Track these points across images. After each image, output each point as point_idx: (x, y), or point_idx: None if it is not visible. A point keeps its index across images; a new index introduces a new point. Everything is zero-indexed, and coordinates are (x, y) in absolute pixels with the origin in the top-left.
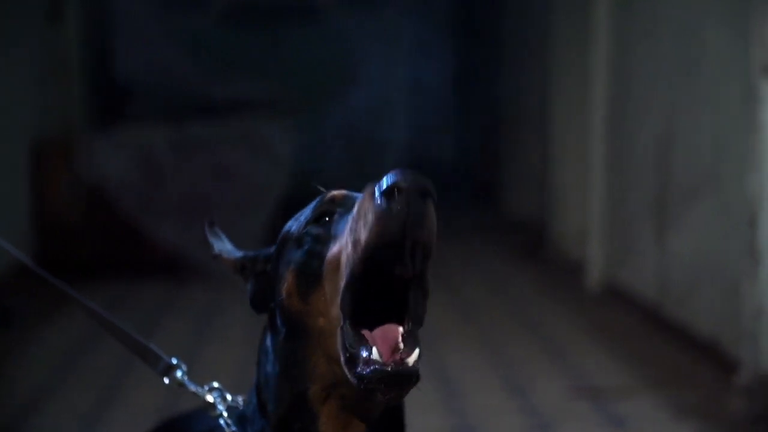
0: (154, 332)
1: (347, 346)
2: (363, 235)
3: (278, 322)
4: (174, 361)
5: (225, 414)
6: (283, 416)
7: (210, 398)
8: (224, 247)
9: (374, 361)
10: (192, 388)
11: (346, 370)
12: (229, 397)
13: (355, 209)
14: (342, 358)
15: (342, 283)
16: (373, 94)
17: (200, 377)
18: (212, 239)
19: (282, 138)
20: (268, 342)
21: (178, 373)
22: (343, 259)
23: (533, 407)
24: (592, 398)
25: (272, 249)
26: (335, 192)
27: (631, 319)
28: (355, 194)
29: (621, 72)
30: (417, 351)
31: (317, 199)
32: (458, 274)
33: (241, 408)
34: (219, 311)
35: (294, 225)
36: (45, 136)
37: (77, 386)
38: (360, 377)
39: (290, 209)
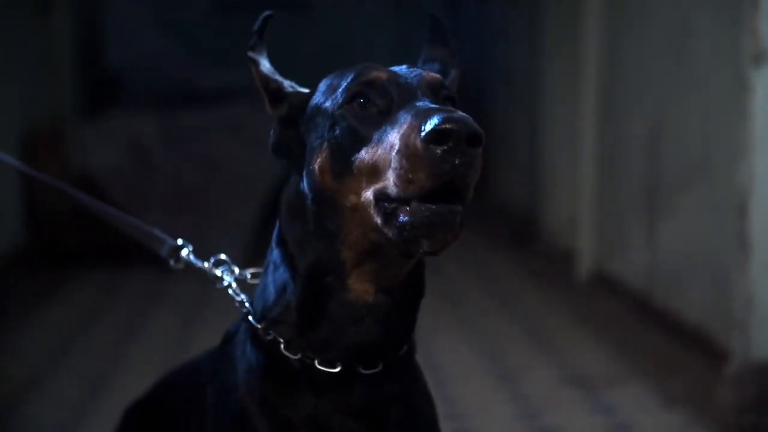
0: (142, 320)
1: (384, 208)
2: (408, 179)
3: (306, 186)
4: (179, 241)
5: (234, 285)
6: (314, 268)
7: (217, 271)
8: (264, 61)
9: (415, 206)
10: (198, 264)
11: (384, 230)
12: (236, 269)
13: (399, 139)
14: (379, 221)
15: (377, 186)
16: None
17: None
18: (254, 39)
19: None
20: (294, 195)
21: (184, 252)
22: (381, 167)
23: (522, 395)
24: (581, 387)
25: (305, 94)
26: (374, 73)
27: (620, 309)
28: (398, 77)
29: (611, 61)
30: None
31: (353, 72)
32: (447, 263)
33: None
34: (208, 300)
35: (328, 99)
36: (34, 126)
37: (67, 375)
38: (401, 226)
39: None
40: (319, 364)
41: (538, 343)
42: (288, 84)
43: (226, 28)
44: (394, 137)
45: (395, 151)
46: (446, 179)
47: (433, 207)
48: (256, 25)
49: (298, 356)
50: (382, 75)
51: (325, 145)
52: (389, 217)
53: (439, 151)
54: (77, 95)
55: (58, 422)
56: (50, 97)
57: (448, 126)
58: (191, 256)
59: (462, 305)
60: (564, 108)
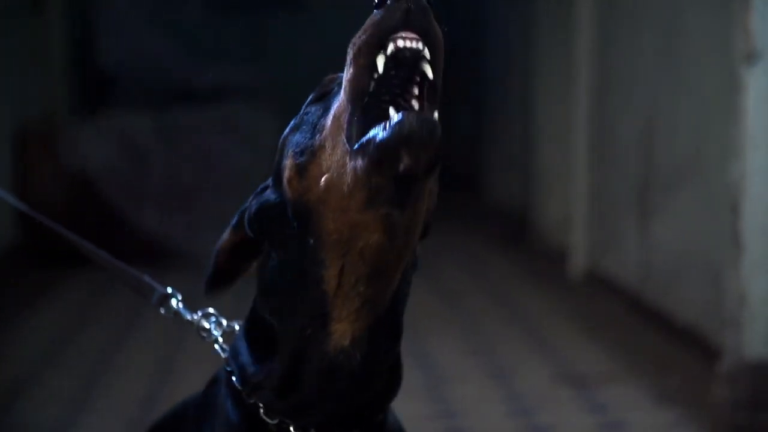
0: (137, 320)
1: (356, 128)
2: (361, 39)
3: (290, 214)
4: (169, 290)
5: (220, 339)
6: (294, 325)
7: (205, 324)
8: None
9: (392, 123)
10: (187, 316)
11: (359, 157)
12: (224, 322)
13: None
14: (348, 146)
15: (345, 121)
16: None
17: (185, 365)
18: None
19: (265, 125)
20: (270, 273)
21: (173, 302)
22: (342, 109)
23: (516, 394)
24: (575, 385)
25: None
26: (329, 76)
27: (613, 307)
28: None
29: (604, 60)
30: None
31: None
32: (441, 261)
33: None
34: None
35: (289, 126)
36: (28, 124)
37: (61, 372)
38: (378, 145)
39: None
40: (295, 429)
41: (532, 342)
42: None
43: (221, 26)
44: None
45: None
46: (397, 21)
47: (412, 118)
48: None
49: (276, 421)
50: (334, 75)
51: (290, 152)
52: (364, 148)
53: (381, 5)
54: (71, 94)
55: (53, 420)
56: (44, 96)
57: None
58: (180, 307)
59: (456, 304)
60: (557, 107)
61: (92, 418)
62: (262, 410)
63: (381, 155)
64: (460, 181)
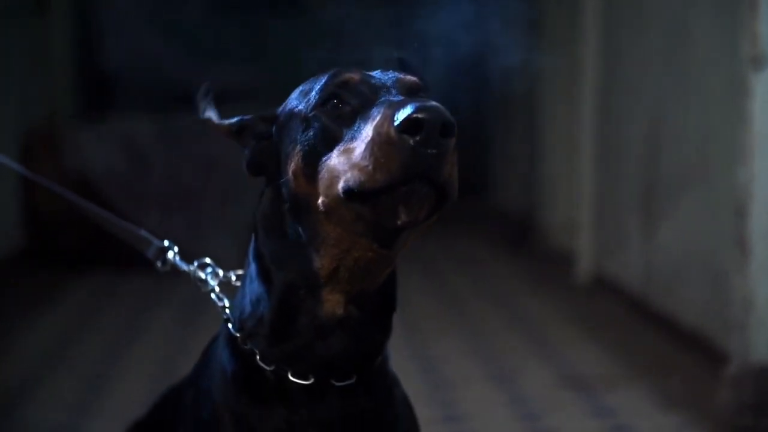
0: (141, 322)
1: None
2: (378, 165)
3: (284, 194)
4: (165, 243)
5: (217, 289)
6: (288, 282)
7: (202, 274)
8: (215, 113)
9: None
10: (183, 267)
11: (355, 204)
12: (221, 272)
13: (372, 129)
14: (340, 186)
15: (346, 180)
16: None
17: (189, 368)
18: (203, 102)
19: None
20: (269, 208)
21: (170, 255)
22: (352, 163)
23: (521, 397)
24: (580, 388)
25: (276, 110)
26: (347, 74)
27: (618, 310)
28: (371, 78)
29: (610, 64)
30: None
31: (327, 75)
32: (446, 264)
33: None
34: (207, 301)
35: (301, 103)
36: (32, 127)
37: (66, 377)
38: (378, 199)
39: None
40: (292, 375)
41: (537, 345)
42: (249, 116)
43: (223, 29)
44: (367, 130)
45: (367, 140)
46: (418, 172)
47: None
48: (201, 96)
49: (272, 368)
50: (354, 76)
51: (299, 148)
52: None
53: (412, 142)
54: (74, 97)
55: (56, 423)
56: (47, 99)
57: (421, 115)
58: (177, 258)
59: (461, 307)
60: (562, 110)
61: (96, 421)
62: (258, 357)
63: (382, 209)
64: (465, 185)
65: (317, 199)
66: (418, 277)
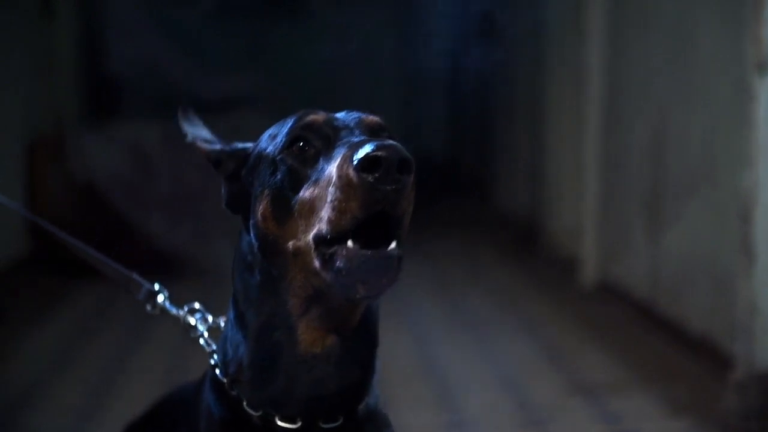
0: (145, 329)
1: (323, 252)
2: (341, 209)
3: (252, 236)
4: (156, 287)
5: (206, 335)
6: (262, 325)
7: (191, 320)
8: (200, 133)
9: (352, 251)
10: (173, 311)
11: (323, 275)
12: (210, 318)
13: (334, 170)
14: (317, 264)
15: (315, 227)
16: (363, 89)
17: (194, 375)
18: (185, 125)
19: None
20: (245, 248)
21: (160, 299)
22: (318, 205)
23: (527, 403)
24: (586, 394)
25: (248, 148)
26: (311, 116)
27: (624, 316)
28: (334, 119)
29: (615, 68)
30: (395, 242)
31: (293, 118)
32: (450, 270)
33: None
34: (211, 307)
35: (269, 145)
36: (37, 133)
37: (70, 383)
38: (338, 271)
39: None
40: (280, 420)
41: (543, 351)
42: (228, 147)
43: (229, 35)
44: (330, 171)
45: (331, 182)
46: (378, 208)
47: (369, 253)
48: (181, 119)
49: (259, 413)
50: (318, 118)
51: (267, 191)
52: (327, 262)
53: (371, 179)
54: (80, 102)
55: (61, 430)
56: (53, 104)
57: (378, 153)
58: (167, 303)
59: (466, 313)
60: (567, 116)
61: (100, 428)
62: (245, 402)
63: (343, 284)
64: (470, 190)
65: (286, 242)
66: (423, 282)
